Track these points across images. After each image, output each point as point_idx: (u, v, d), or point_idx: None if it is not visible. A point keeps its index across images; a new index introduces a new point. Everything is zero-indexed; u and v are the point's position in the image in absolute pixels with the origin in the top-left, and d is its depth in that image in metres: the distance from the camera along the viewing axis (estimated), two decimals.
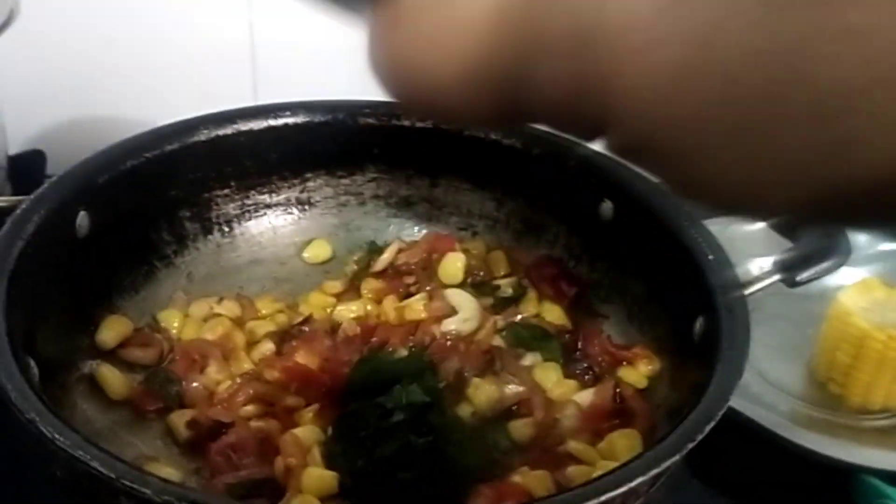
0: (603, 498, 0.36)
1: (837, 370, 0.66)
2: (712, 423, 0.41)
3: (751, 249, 0.59)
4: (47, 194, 0.53)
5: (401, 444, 0.49)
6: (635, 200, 0.61)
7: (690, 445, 0.40)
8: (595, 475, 0.49)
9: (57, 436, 0.37)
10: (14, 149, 0.78)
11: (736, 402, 0.56)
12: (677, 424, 0.41)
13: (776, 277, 0.52)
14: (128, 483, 0.35)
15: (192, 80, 0.85)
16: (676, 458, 0.39)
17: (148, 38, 0.83)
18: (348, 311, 0.64)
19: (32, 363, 0.44)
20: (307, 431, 0.53)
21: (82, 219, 0.56)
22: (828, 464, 0.58)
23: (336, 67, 0.82)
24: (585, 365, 0.60)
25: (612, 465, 0.51)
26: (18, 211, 0.51)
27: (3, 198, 0.53)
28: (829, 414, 0.65)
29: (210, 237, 0.67)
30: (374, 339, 0.61)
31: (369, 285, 0.67)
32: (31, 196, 0.53)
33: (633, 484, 0.37)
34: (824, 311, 0.66)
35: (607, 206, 0.63)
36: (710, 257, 0.54)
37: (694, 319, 0.53)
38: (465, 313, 0.63)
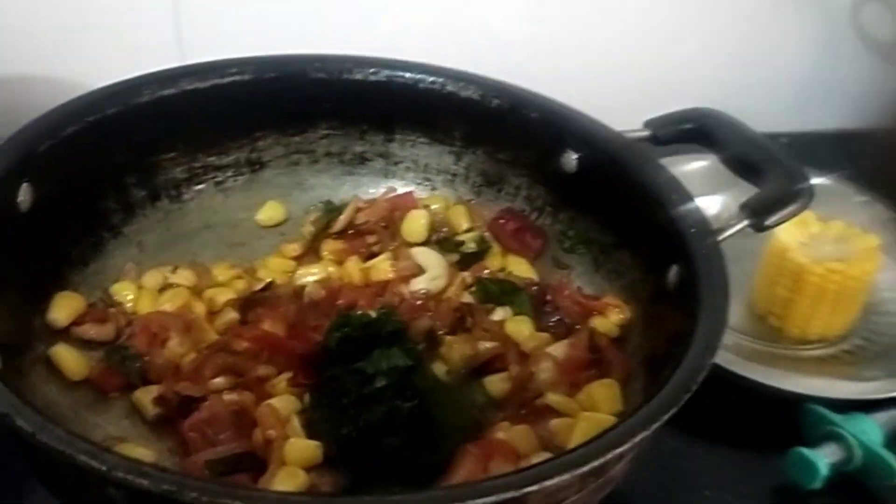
0: (609, 456, 0.36)
1: (776, 304, 0.68)
2: (704, 373, 0.41)
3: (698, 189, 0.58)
4: None
5: (387, 410, 0.48)
6: (600, 151, 0.61)
7: (686, 396, 0.40)
8: (579, 427, 0.50)
9: (38, 432, 0.34)
10: None
11: None
12: (670, 375, 0.42)
13: (745, 223, 0.53)
14: (121, 475, 0.33)
15: (119, 39, 0.80)
16: (675, 409, 0.39)
17: None
18: (310, 275, 0.63)
19: None
20: (284, 401, 0.51)
21: (24, 191, 0.52)
22: (774, 395, 0.60)
23: (265, 24, 0.80)
24: (556, 317, 0.60)
25: (594, 415, 0.52)
26: None
27: None
28: (770, 346, 0.67)
29: (158, 203, 0.63)
30: (339, 303, 0.60)
31: (329, 246, 0.65)
32: None
33: (636, 439, 0.37)
34: (762, 248, 0.68)
35: (570, 157, 0.63)
36: (681, 206, 0.54)
37: (666, 267, 0.54)
38: (433, 272, 0.62)
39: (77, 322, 0.55)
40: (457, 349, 0.57)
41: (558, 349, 0.57)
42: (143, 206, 0.62)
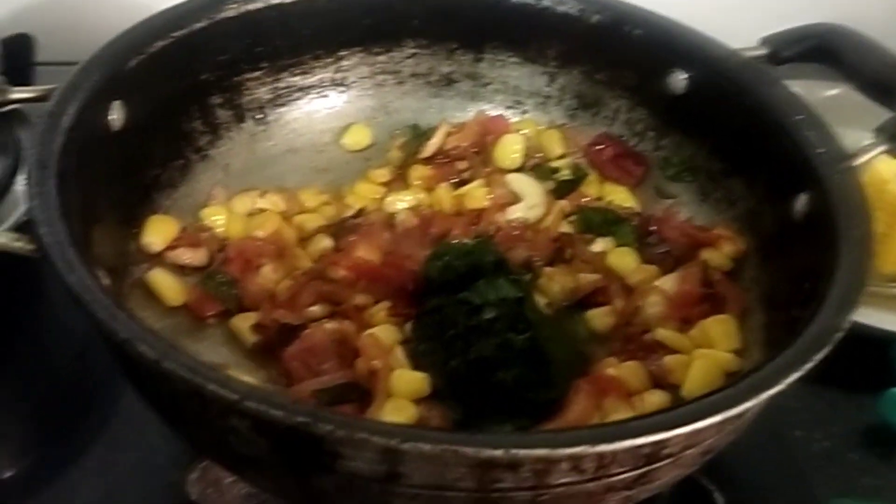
0: (746, 404, 0.34)
1: None
2: (850, 315, 0.38)
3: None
4: (77, 83, 0.47)
5: (499, 343, 0.45)
6: (713, 69, 0.57)
7: (836, 337, 0.37)
8: (696, 365, 0.48)
9: (163, 359, 0.33)
10: None
11: None
12: (810, 318, 0.38)
13: (883, 147, 0.48)
14: (254, 406, 0.31)
15: None
16: (822, 352, 0.36)
17: None
18: (400, 202, 0.60)
19: (102, 274, 0.40)
20: (385, 331, 0.49)
21: (116, 109, 0.50)
22: (866, 333, 0.56)
23: None
24: (662, 249, 0.57)
25: (711, 353, 0.49)
26: (50, 104, 0.45)
27: (30, 87, 0.46)
28: None
29: (243, 125, 0.61)
30: (433, 231, 0.57)
31: (418, 173, 0.62)
32: (62, 85, 0.46)
33: (791, 378, 0.34)
34: None
35: (678, 77, 0.59)
36: (809, 129, 0.50)
37: (791, 196, 0.50)
38: (530, 199, 0.59)
39: (171, 246, 0.53)
40: (557, 281, 0.54)
41: (668, 283, 0.54)
42: (229, 128, 0.60)
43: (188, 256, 0.54)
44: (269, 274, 0.54)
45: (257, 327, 0.50)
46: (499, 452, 0.31)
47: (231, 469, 0.40)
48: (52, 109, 0.44)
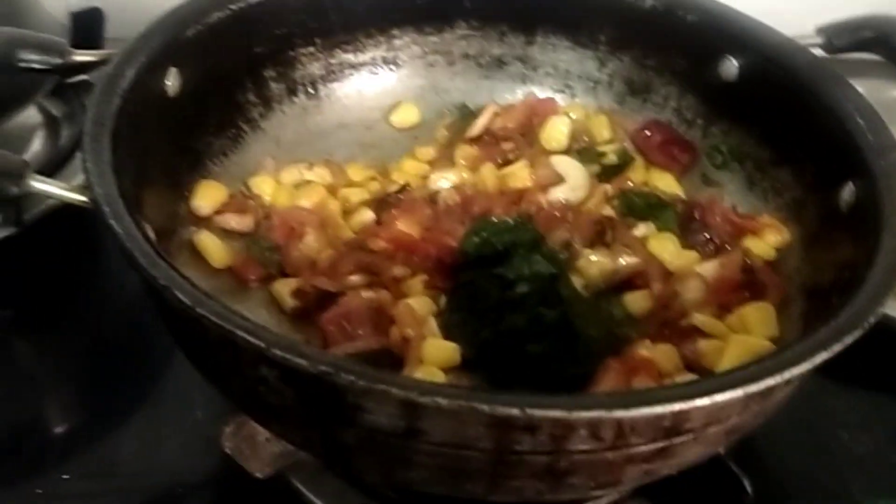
0: (769, 381, 0.33)
1: None
2: (884, 301, 0.38)
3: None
4: (137, 48, 0.49)
5: (530, 316, 0.46)
6: (766, 57, 0.56)
7: (869, 322, 0.36)
8: (730, 350, 0.47)
9: (197, 305, 0.34)
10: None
11: None
12: (844, 303, 0.38)
13: None
14: (280, 353, 0.33)
15: None
16: (853, 335, 0.36)
17: None
18: (444, 180, 0.61)
19: (149, 229, 0.41)
20: (420, 302, 0.50)
21: (172, 76, 0.52)
22: None
23: None
24: (705, 236, 0.56)
25: (747, 338, 0.49)
26: (109, 67, 0.47)
27: (89, 51, 0.49)
28: None
29: (295, 99, 0.62)
30: (474, 209, 0.58)
31: (464, 152, 0.63)
32: (122, 50, 0.48)
33: (807, 366, 0.34)
34: None
35: (731, 65, 0.58)
36: (860, 119, 0.49)
37: (839, 186, 0.49)
38: (573, 181, 0.59)
39: (219, 211, 0.55)
40: (595, 263, 0.54)
41: (708, 269, 0.53)
42: (281, 101, 0.62)
43: (235, 221, 0.55)
44: (311, 242, 0.55)
45: (297, 292, 0.52)
46: (515, 411, 0.31)
47: (261, 421, 0.41)
48: (110, 72, 0.46)
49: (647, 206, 0.58)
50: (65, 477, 0.51)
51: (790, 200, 0.55)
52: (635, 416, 0.32)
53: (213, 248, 0.53)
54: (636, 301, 0.53)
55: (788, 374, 0.34)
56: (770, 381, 0.33)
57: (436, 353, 0.47)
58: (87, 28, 0.77)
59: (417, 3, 0.63)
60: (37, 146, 0.70)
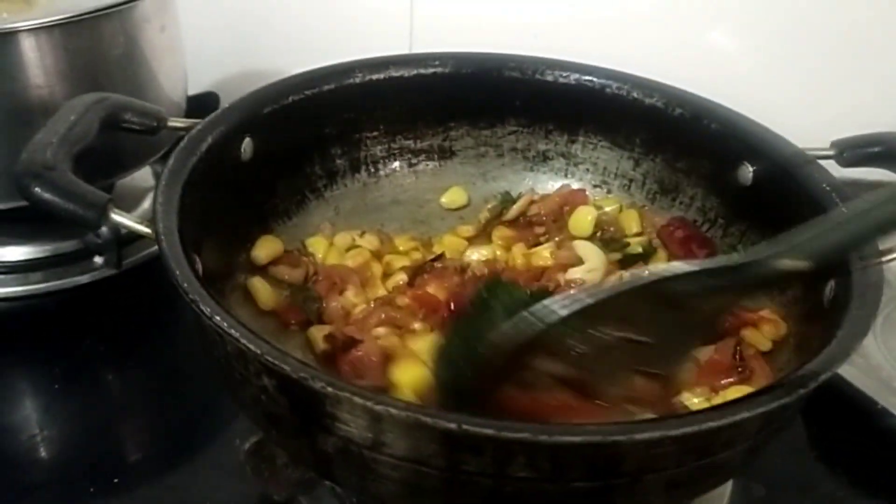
0: (704, 426, 0.37)
1: None
2: (829, 373, 0.41)
3: None
4: (219, 119, 0.59)
5: None
6: (776, 164, 0.60)
7: (802, 391, 0.40)
8: None
9: (215, 315, 0.42)
10: (193, 90, 0.86)
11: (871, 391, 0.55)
12: (794, 372, 0.41)
13: None
14: (270, 360, 0.39)
15: (352, 40, 0.91)
16: (784, 400, 0.39)
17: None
18: (478, 254, 0.67)
19: (198, 260, 0.50)
20: (421, 343, 0.56)
21: (247, 144, 0.61)
22: None
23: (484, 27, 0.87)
24: None
25: None
26: (193, 131, 0.57)
27: (182, 119, 0.59)
28: None
29: (357, 175, 0.71)
30: None
31: (500, 232, 0.70)
32: (205, 120, 0.59)
33: (735, 418, 0.38)
34: None
35: (746, 170, 0.63)
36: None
37: (826, 285, 0.52)
38: (590, 263, 0.65)
39: (274, 262, 0.64)
40: None
41: (703, 352, 0.57)
42: (344, 176, 0.70)
43: (287, 273, 0.64)
44: (349, 297, 0.62)
45: (328, 337, 0.59)
46: (452, 425, 0.36)
47: (264, 430, 0.48)
48: (193, 135, 0.56)
49: None
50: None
51: (791, 298, 0.58)
52: (558, 443, 0.36)
53: (263, 291, 0.61)
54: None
55: (716, 423, 0.37)
56: (688, 430, 0.36)
57: (406, 374, 0.52)
58: (202, 109, 0.90)
59: (473, 100, 0.72)
60: (146, 204, 0.82)
